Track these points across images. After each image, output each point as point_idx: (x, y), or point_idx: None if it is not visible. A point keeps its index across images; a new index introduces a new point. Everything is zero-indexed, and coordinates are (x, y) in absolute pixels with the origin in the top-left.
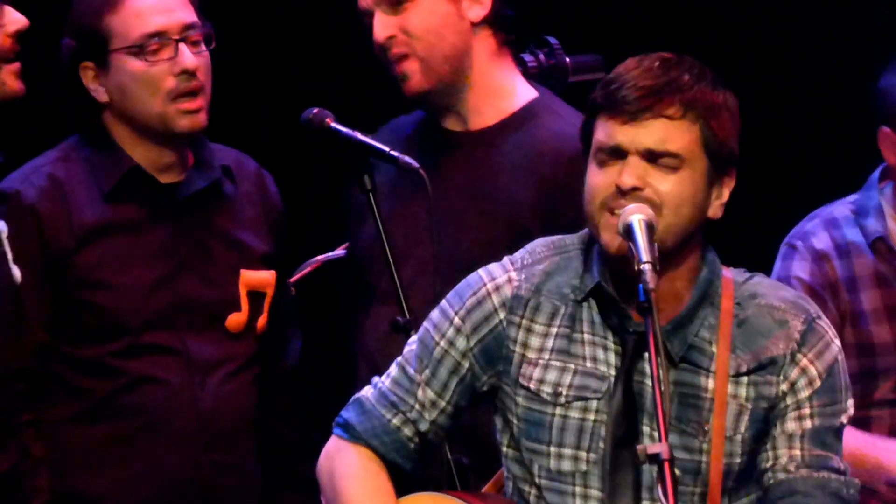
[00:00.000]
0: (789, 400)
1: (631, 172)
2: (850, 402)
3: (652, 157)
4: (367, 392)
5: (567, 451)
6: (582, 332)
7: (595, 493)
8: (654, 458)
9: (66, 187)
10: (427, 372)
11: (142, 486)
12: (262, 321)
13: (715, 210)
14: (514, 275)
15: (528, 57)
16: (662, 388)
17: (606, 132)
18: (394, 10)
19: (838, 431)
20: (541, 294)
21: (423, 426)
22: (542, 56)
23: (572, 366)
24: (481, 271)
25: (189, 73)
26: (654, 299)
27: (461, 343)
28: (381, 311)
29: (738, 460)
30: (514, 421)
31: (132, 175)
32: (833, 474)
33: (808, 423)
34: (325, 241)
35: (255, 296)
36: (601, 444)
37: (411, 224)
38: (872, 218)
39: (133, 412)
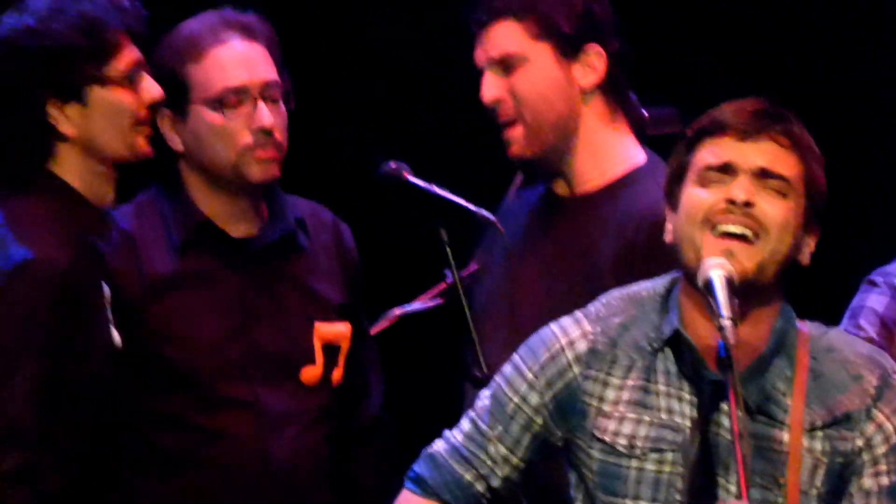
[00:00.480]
0: (865, 456)
1: (742, 188)
2: None
3: (763, 176)
4: (438, 446)
5: None
6: (657, 384)
7: None
8: None
9: (138, 241)
10: (500, 428)
11: None
12: (337, 374)
13: (805, 256)
14: (588, 328)
15: None
16: (743, 446)
17: (714, 151)
18: (504, 73)
19: None
20: (617, 347)
21: (495, 482)
22: None
23: (647, 417)
24: (553, 326)
25: (265, 132)
26: (734, 356)
27: (535, 399)
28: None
29: None
30: (589, 475)
31: (203, 228)
32: None
33: (884, 480)
34: (404, 294)
35: (330, 348)
36: (677, 496)
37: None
38: None
39: (206, 466)
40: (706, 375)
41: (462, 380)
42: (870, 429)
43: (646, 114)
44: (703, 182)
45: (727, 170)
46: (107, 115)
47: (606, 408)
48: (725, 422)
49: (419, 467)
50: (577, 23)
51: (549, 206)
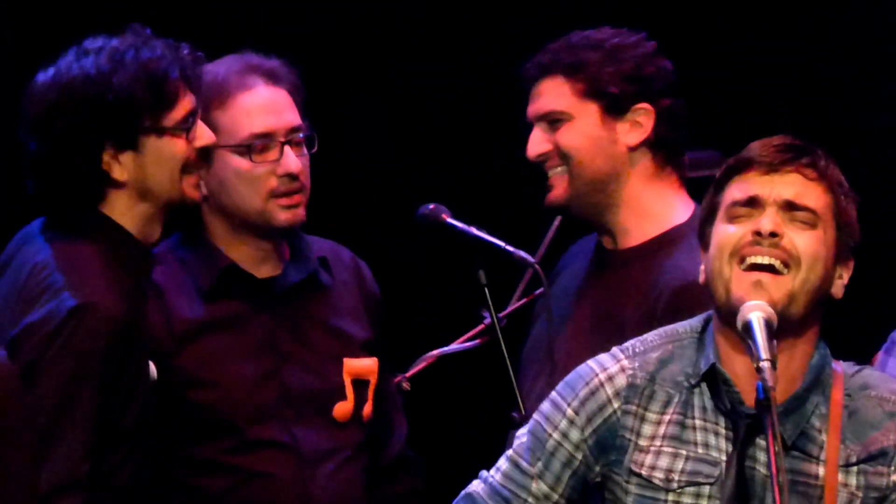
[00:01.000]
0: None
1: (769, 219)
2: None
3: (790, 208)
4: (477, 487)
5: None
6: (694, 418)
7: None
8: None
9: (164, 290)
10: (540, 465)
11: None
12: (367, 409)
13: (838, 288)
14: (626, 363)
15: None
16: (781, 484)
17: (741, 187)
18: (550, 128)
19: None
20: (655, 382)
21: None
22: None
23: (684, 451)
24: (591, 362)
25: (291, 177)
26: (773, 398)
27: (575, 435)
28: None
29: None
30: None
31: (229, 272)
32: None
33: None
34: (440, 336)
35: (360, 383)
36: None
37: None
38: None
39: None
40: (742, 410)
41: (501, 421)
42: None
43: (686, 156)
44: (731, 218)
45: (754, 203)
46: (160, 163)
47: (643, 442)
48: (761, 456)
49: None
50: (625, 83)
51: (597, 259)
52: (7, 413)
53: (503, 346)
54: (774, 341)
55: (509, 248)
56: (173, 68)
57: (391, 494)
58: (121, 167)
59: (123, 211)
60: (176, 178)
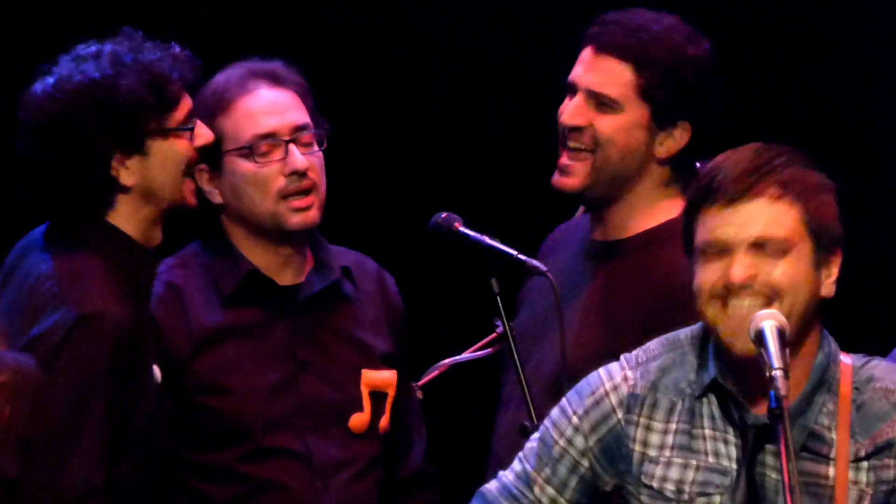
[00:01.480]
0: None
1: (739, 266)
2: None
3: (759, 247)
4: (490, 485)
5: None
6: (702, 428)
7: None
8: None
9: (185, 294)
10: (547, 470)
11: None
12: (384, 422)
13: (828, 288)
14: (629, 373)
15: None
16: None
17: (707, 227)
18: (595, 106)
19: None
20: (657, 391)
21: None
22: None
23: (694, 462)
24: (601, 370)
25: (299, 174)
26: (785, 407)
27: (580, 442)
28: (508, 415)
29: None
30: None
31: (251, 279)
32: None
33: None
34: (452, 345)
35: (377, 396)
36: None
37: (541, 328)
38: None
39: None
40: (749, 419)
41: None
42: None
43: (697, 164)
44: (705, 258)
45: (722, 247)
46: (165, 164)
47: (652, 452)
48: (771, 461)
49: None
50: (682, 97)
51: (591, 250)
52: (37, 419)
53: (516, 354)
54: (787, 350)
55: (522, 256)
56: (174, 70)
57: None
58: (127, 172)
59: (127, 216)
60: (178, 179)
